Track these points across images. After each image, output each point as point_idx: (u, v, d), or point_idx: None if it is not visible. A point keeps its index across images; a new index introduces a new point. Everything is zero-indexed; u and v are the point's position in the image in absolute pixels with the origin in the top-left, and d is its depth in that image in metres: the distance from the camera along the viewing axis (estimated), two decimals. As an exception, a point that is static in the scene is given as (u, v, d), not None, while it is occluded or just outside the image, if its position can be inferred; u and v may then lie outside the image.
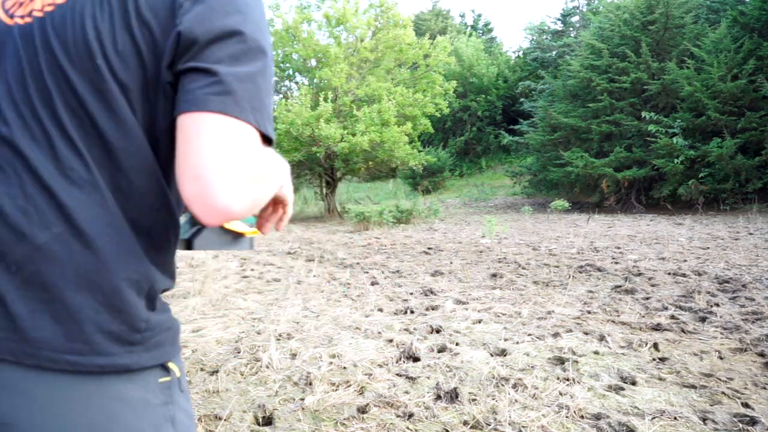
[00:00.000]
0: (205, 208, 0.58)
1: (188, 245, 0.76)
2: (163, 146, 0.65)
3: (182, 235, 0.76)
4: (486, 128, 24.78)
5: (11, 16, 0.68)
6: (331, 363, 2.74)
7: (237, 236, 0.82)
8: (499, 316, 3.71)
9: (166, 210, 0.67)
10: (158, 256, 0.66)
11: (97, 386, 0.60)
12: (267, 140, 0.65)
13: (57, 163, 0.60)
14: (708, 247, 6.96)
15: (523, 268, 5.61)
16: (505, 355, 2.86)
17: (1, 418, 0.58)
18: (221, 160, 0.57)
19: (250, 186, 0.60)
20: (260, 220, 0.83)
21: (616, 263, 5.80)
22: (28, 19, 0.66)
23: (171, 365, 0.67)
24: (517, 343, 3.06)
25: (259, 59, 0.64)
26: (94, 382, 0.60)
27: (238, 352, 2.95)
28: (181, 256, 6.80)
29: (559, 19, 27.28)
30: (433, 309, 3.93)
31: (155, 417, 0.64)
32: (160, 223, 0.65)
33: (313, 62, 15.17)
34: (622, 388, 2.38)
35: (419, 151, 15.01)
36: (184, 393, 0.70)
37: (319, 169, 15.20)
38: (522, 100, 21.46)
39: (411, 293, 4.50)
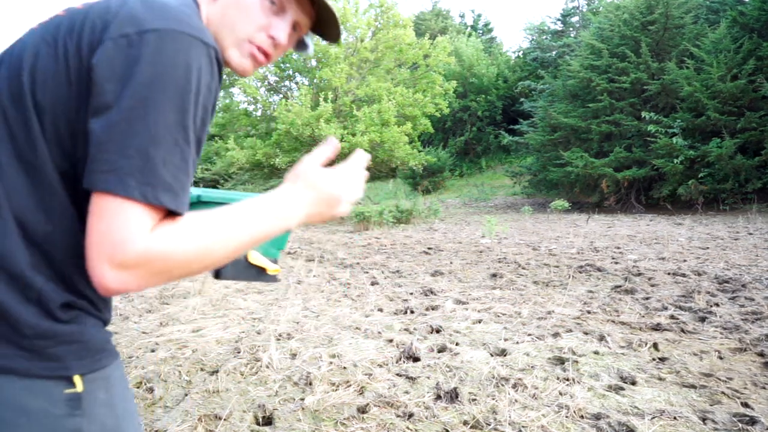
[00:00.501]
0: (94, 282, 0.60)
1: (216, 275, 0.82)
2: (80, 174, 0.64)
3: None
4: (486, 128, 24.76)
5: None
6: (331, 363, 2.74)
7: (261, 270, 0.86)
8: (499, 316, 3.71)
9: (69, 229, 0.65)
10: (55, 270, 0.65)
11: None
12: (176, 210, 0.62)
13: None
14: (708, 247, 6.96)
15: (523, 268, 5.61)
16: (505, 355, 2.86)
17: None
18: (98, 244, 0.59)
19: (129, 270, 0.59)
20: None
21: (616, 263, 5.80)
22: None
23: (76, 379, 0.65)
24: (517, 343, 3.06)
25: (151, 123, 0.60)
26: None
27: (238, 352, 2.95)
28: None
29: (559, 20, 27.29)
30: (433, 309, 3.93)
31: (55, 428, 0.64)
32: (58, 239, 0.65)
33: (313, 62, 15.18)
34: (622, 388, 2.38)
35: (419, 151, 15.04)
36: (94, 408, 0.67)
37: (319, 169, 15.19)
38: (522, 100, 21.45)
39: (411, 293, 4.51)
